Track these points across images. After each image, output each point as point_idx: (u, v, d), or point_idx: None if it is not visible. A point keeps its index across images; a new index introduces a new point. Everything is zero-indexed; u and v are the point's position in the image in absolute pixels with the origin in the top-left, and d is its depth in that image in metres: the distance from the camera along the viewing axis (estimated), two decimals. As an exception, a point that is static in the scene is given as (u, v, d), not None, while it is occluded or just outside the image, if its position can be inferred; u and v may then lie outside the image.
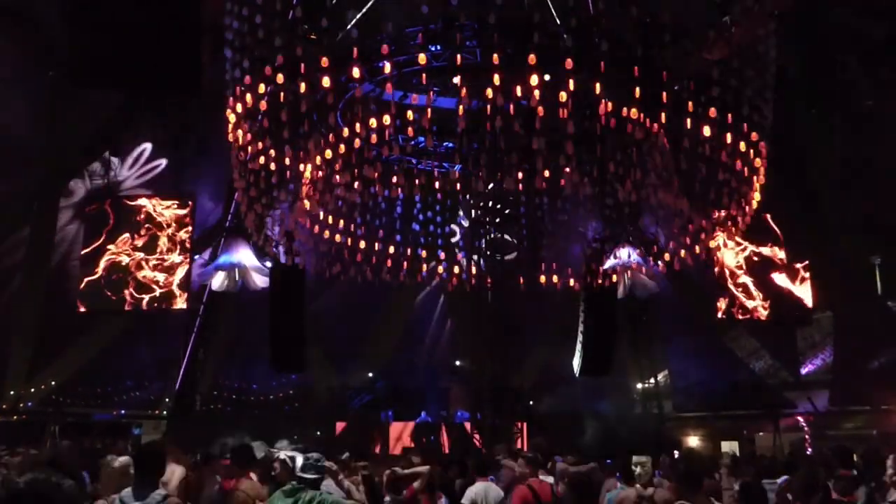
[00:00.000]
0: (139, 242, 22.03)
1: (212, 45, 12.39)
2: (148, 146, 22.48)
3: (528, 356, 26.47)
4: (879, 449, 13.55)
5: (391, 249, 17.95)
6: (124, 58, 10.57)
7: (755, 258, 23.22)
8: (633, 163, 13.94)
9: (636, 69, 12.27)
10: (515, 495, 9.15)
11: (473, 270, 19.38)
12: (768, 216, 22.62)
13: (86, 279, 21.66)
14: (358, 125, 12.98)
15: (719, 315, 23.38)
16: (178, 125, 21.87)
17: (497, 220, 19.43)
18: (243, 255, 22.06)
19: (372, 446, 23.02)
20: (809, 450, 21.46)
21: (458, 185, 15.93)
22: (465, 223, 19.72)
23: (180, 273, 22.31)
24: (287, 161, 13.72)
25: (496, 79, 11.27)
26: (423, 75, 12.37)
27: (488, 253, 19.66)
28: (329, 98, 12.24)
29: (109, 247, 21.81)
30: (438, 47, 12.31)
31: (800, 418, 23.24)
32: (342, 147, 13.57)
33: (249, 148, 13.48)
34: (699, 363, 25.74)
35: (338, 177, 14.13)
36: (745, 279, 23.28)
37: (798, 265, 23.32)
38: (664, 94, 12.60)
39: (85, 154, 21.38)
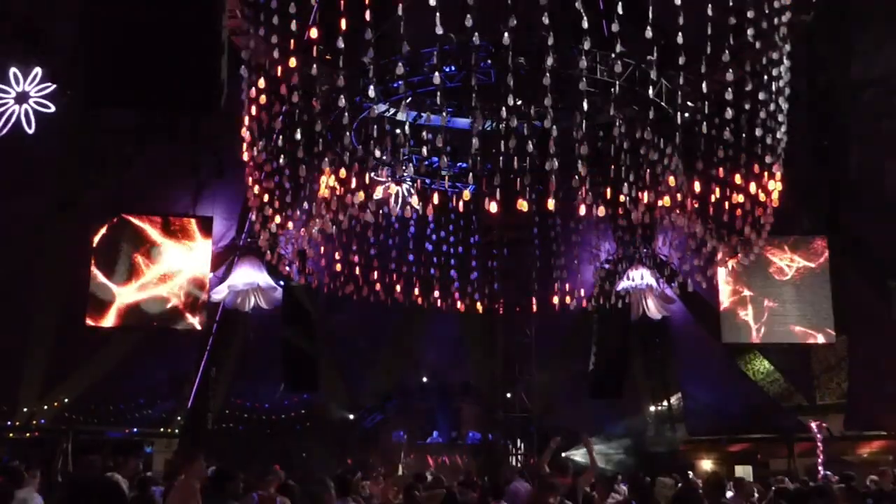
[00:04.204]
0: (154, 260, 22.09)
1: (228, 65, 12.47)
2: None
3: (540, 377, 26.40)
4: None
5: (403, 269, 18.01)
6: (141, 78, 10.65)
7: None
8: (647, 184, 13.97)
9: (651, 91, 12.33)
10: None
11: (486, 291, 19.39)
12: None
13: (100, 296, 21.72)
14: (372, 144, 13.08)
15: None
16: (195, 145, 21.98)
17: (510, 240, 19.47)
18: (256, 273, 22.10)
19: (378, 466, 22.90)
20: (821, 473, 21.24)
21: (472, 206, 15.95)
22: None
23: (195, 291, 22.35)
24: (301, 180, 13.80)
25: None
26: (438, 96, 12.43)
27: (501, 273, 19.68)
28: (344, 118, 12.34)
29: (124, 264, 21.88)
30: (453, 68, 12.39)
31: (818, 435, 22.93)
32: (356, 166, 13.65)
33: (264, 167, 13.58)
34: (713, 386, 25.58)
35: (351, 196, 14.17)
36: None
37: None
38: (678, 115, 12.66)
39: (100, 172, 21.48)
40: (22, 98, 19.25)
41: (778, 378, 25.40)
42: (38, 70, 19.34)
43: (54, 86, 19.30)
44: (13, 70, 19.15)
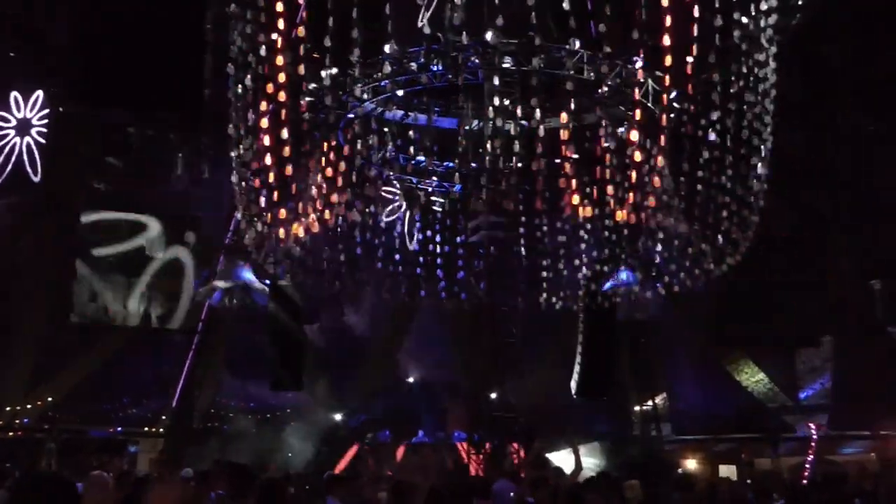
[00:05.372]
0: (140, 259, 22.02)
1: (215, 63, 12.45)
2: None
3: (527, 377, 26.39)
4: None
5: (390, 268, 17.98)
6: (130, 78, 10.60)
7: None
8: (633, 185, 13.99)
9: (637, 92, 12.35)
10: None
11: (473, 291, 19.38)
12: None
13: (86, 295, 21.63)
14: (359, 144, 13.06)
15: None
16: (182, 144, 21.92)
17: (497, 239, 19.44)
18: (243, 272, 22.03)
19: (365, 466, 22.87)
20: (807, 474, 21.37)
21: (458, 205, 15.96)
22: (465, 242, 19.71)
23: (181, 290, 22.29)
24: (288, 179, 13.77)
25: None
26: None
27: (488, 273, 19.66)
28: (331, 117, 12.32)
29: (110, 263, 21.80)
30: (440, 67, 12.37)
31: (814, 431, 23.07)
32: (343, 165, 13.63)
33: (251, 165, 13.53)
34: (698, 386, 25.63)
35: (338, 195, 14.16)
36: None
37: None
38: (664, 117, 12.69)
39: (87, 171, 21.41)
40: (24, 127, 19.17)
41: (763, 378, 25.50)
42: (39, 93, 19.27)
43: (48, 110, 19.24)
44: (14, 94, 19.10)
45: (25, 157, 19.18)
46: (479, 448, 24.25)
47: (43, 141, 19.27)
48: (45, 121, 19.28)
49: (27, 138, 19.27)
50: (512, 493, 10.83)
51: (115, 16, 9.98)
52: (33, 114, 19.25)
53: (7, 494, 3.43)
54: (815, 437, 22.91)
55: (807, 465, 21.97)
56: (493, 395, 26.20)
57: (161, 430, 24.72)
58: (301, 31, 11.70)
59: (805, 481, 18.82)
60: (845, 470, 17.97)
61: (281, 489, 9.03)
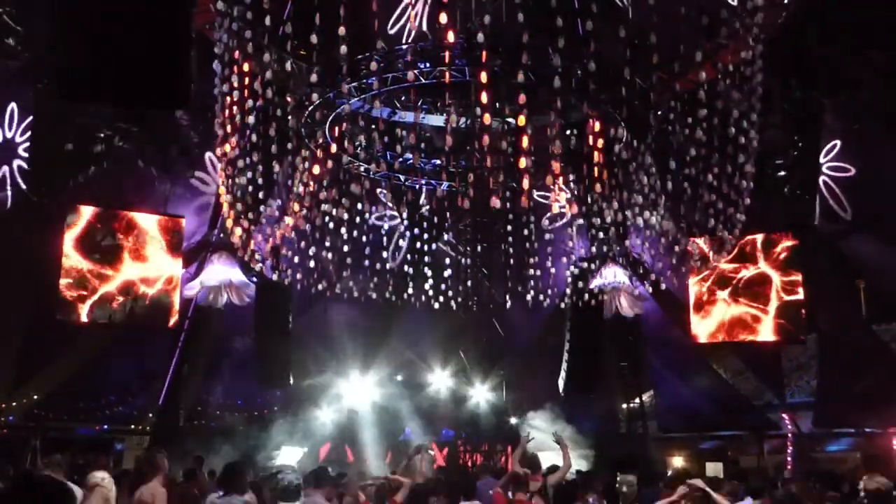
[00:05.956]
0: (125, 257, 21.88)
1: (200, 59, 12.37)
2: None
3: (513, 375, 26.44)
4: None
5: (377, 266, 17.99)
6: (111, 72, 10.52)
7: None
8: (620, 183, 14.04)
9: (624, 90, 12.37)
10: None
11: (460, 288, 19.40)
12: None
13: (70, 292, 21.50)
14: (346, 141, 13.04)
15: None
16: (168, 140, 21.82)
17: (483, 238, 19.48)
18: (229, 270, 21.96)
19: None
20: (788, 470, 21.49)
21: (446, 203, 15.96)
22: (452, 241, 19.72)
23: (166, 288, 22.16)
24: (274, 176, 13.75)
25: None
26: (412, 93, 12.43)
27: (475, 271, 19.69)
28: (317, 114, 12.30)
29: (95, 259, 21.66)
30: (427, 65, 12.36)
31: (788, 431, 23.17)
32: (329, 163, 13.62)
33: (237, 162, 13.49)
34: (684, 384, 25.72)
35: (325, 193, 14.14)
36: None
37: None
38: (651, 114, 12.73)
39: (70, 167, 21.26)
40: (8, 150, 18.92)
41: (749, 376, 25.58)
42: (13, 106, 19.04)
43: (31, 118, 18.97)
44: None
45: (20, 179, 19.14)
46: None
47: (27, 159, 19.17)
48: (28, 133, 19.14)
49: (16, 161, 19.23)
50: (491, 491, 10.82)
51: (94, 10, 9.84)
52: (13, 132, 19.13)
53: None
54: (790, 428, 23.05)
55: (788, 459, 22.10)
56: (482, 393, 26.24)
57: (147, 427, 24.63)
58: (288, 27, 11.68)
59: (787, 477, 18.92)
60: (831, 467, 18.06)
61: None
